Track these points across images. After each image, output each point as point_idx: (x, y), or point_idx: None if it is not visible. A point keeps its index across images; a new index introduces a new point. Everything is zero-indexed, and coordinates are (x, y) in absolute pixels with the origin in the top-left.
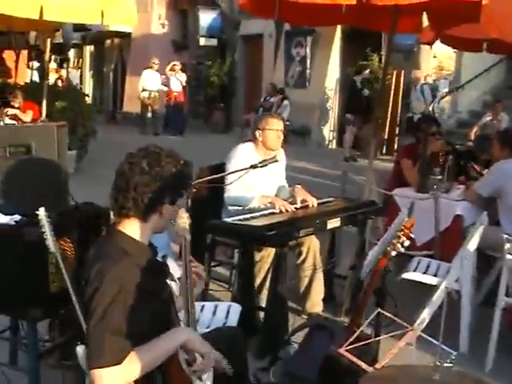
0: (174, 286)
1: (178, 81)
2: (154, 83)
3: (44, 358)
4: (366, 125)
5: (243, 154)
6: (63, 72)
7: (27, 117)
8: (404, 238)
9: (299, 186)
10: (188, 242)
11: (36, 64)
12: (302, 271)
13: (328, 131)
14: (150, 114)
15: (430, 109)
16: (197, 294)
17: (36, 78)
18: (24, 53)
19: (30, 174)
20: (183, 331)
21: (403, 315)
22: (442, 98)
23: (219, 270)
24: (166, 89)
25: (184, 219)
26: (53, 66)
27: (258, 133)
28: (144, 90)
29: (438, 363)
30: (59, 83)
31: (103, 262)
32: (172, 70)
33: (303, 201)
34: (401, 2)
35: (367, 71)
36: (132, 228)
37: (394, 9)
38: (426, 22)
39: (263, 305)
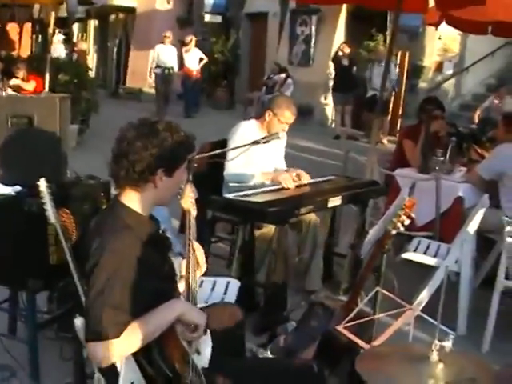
0: (174, 261)
1: (194, 57)
2: (171, 58)
3: (42, 330)
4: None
5: (246, 131)
6: (84, 45)
7: (29, 86)
8: (404, 218)
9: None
10: (193, 217)
11: (61, 36)
12: (302, 249)
13: (331, 110)
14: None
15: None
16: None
17: (62, 51)
18: (27, 26)
19: (30, 145)
20: (180, 303)
21: (402, 295)
22: (446, 80)
23: (219, 245)
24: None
25: (190, 194)
26: (59, 38)
27: (268, 114)
28: (158, 66)
29: (436, 342)
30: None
31: (104, 234)
32: (185, 44)
33: (298, 175)
34: None
35: (345, 47)
36: (132, 200)
37: None
38: (431, 3)
39: (262, 281)
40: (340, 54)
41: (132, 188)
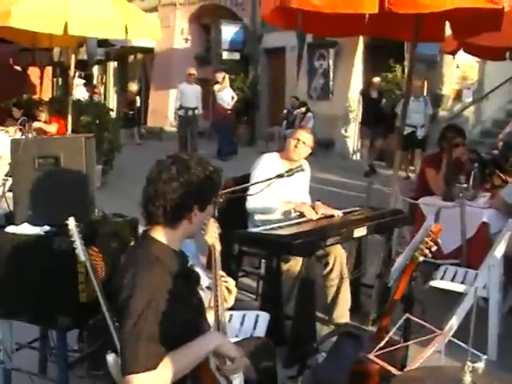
0: (203, 295)
1: (228, 95)
2: (194, 99)
3: (73, 368)
4: (391, 135)
5: (268, 164)
6: (134, 87)
7: (52, 128)
8: (431, 244)
9: (319, 202)
10: (218, 252)
11: (81, 81)
12: (329, 281)
13: (352, 143)
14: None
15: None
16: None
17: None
18: (48, 69)
19: (58, 185)
20: (215, 336)
21: (431, 323)
22: (466, 107)
23: (246, 280)
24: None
25: (214, 229)
26: (79, 81)
27: (287, 141)
28: (182, 107)
29: (469, 364)
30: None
31: (135, 268)
32: (218, 83)
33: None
34: (422, 11)
35: (376, 79)
36: (163, 234)
37: (417, 17)
38: (448, 31)
39: (291, 314)
40: (370, 86)
41: (167, 225)
